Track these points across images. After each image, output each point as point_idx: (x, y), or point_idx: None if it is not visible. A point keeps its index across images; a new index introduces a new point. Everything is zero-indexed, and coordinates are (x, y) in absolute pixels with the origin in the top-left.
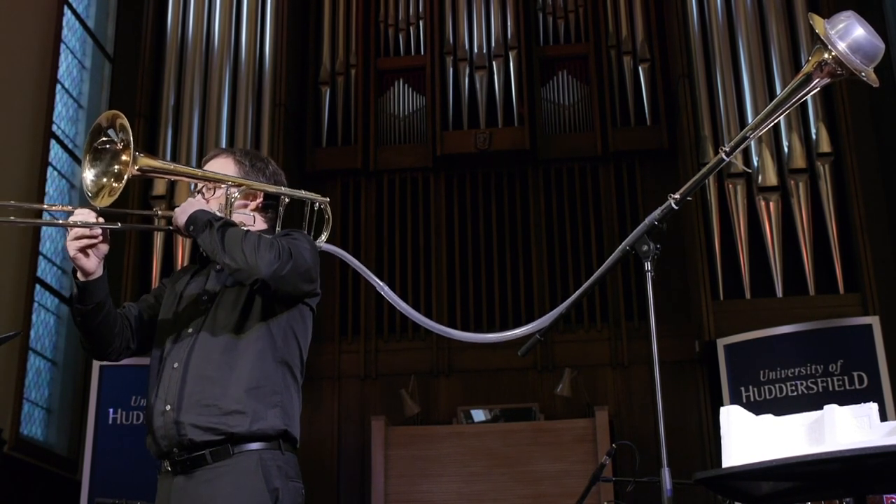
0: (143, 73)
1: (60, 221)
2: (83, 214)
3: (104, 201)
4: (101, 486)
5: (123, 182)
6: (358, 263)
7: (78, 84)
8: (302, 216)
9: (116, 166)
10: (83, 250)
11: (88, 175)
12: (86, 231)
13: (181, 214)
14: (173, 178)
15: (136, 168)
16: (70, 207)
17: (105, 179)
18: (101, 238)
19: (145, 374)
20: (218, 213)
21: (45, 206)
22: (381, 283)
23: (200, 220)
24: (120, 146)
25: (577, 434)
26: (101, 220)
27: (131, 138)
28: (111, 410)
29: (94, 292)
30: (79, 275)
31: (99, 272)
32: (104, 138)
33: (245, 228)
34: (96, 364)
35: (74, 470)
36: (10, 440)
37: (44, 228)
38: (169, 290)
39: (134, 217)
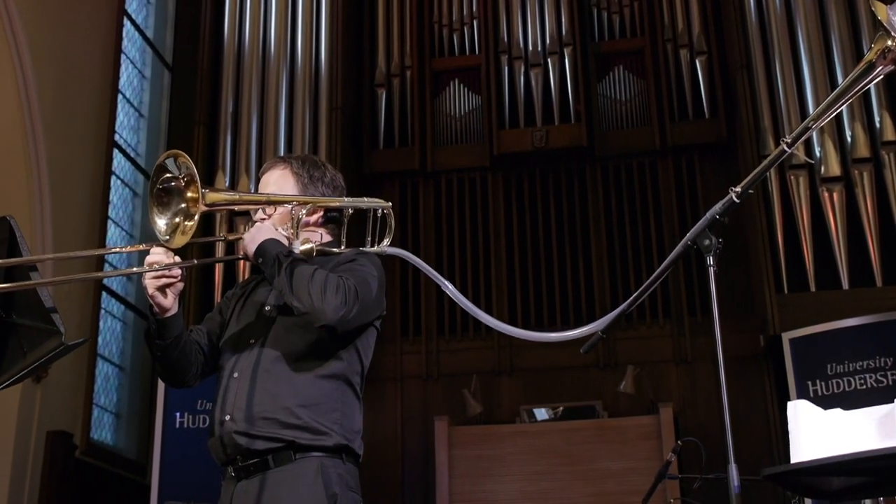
0: (202, 80)
1: (136, 269)
2: (159, 255)
3: (178, 241)
4: (170, 490)
5: (195, 221)
6: (422, 263)
7: (139, 93)
8: (364, 220)
9: (184, 204)
10: (161, 289)
11: (160, 221)
12: (164, 270)
13: (250, 243)
14: (240, 207)
15: (204, 204)
16: (142, 246)
17: (177, 219)
18: (179, 277)
19: (210, 379)
20: (283, 233)
21: (117, 250)
22: (445, 282)
23: (269, 255)
24: (183, 183)
25: (641, 431)
26: (176, 258)
27: (196, 173)
28: (178, 414)
29: (172, 328)
30: (156, 311)
31: (175, 308)
32: (167, 175)
33: (313, 267)
34: None
35: (143, 473)
36: (81, 445)
37: (110, 237)
38: (234, 300)
39: (199, 246)
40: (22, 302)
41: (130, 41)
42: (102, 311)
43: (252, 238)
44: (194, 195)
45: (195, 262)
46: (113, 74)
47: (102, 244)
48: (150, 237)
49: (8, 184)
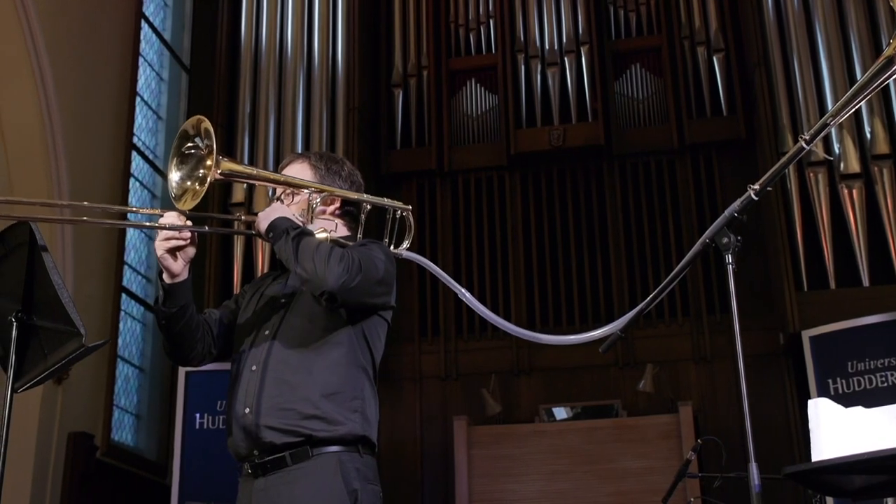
0: (219, 82)
1: (148, 224)
2: (171, 217)
3: (188, 204)
4: (191, 490)
5: (206, 185)
6: (439, 270)
7: (157, 96)
8: (384, 221)
9: (201, 170)
10: (171, 252)
11: (174, 177)
12: (175, 233)
13: (263, 220)
14: (255, 182)
15: (218, 172)
16: (158, 210)
17: (189, 183)
18: (189, 241)
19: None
20: (299, 218)
21: (134, 209)
22: (462, 289)
23: (279, 228)
24: (204, 151)
25: (660, 430)
26: (188, 223)
27: (214, 143)
28: (198, 415)
29: (179, 295)
30: (165, 277)
31: (184, 275)
32: (190, 143)
33: (319, 239)
34: (182, 370)
35: (164, 474)
36: (102, 446)
37: (129, 239)
38: (250, 293)
39: (215, 221)
40: (43, 304)
41: (148, 44)
42: (122, 313)
43: (266, 215)
44: (210, 163)
45: (206, 228)
46: (131, 77)
47: (121, 244)
48: None
49: (28, 187)
